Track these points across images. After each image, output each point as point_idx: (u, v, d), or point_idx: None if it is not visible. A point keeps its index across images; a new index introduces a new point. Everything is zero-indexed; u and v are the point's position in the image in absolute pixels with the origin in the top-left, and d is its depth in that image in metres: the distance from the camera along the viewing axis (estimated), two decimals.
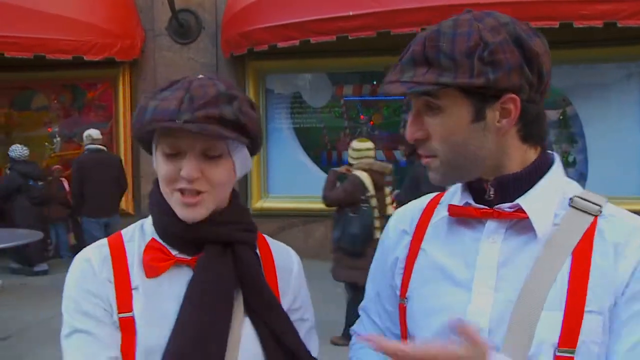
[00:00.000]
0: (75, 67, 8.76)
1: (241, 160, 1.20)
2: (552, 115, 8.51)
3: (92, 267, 1.16)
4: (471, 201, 1.14)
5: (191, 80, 1.15)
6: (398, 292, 1.24)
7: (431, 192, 1.31)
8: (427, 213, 1.25)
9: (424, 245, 1.21)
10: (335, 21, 7.36)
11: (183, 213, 1.15)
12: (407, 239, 1.25)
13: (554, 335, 1.01)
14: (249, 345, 1.18)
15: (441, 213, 1.20)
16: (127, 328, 1.12)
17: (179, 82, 1.15)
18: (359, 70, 9.00)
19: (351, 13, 7.25)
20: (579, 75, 8.28)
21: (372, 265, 1.36)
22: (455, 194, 1.20)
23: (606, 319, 1.01)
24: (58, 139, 9.88)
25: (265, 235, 1.35)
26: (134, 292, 1.15)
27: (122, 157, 9.27)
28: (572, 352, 1.00)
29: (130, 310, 1.13)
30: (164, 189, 1.17)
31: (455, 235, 1.16)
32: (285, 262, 1.32)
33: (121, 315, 1.13)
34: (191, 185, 1.12)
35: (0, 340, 5.34)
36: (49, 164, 9.57)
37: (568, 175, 1.16)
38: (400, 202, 5.29)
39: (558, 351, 1.00)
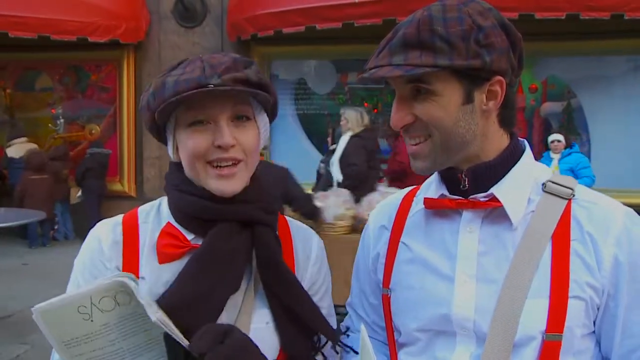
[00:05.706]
0: (80, 49, 8.74)
1: (264, 126, 1.18)
2: (556, 107, 8.48)
3: (102, 250, 1.15)
4: (446, 192, 1.15)
5: (199, 56, 1.13)
6: (381, 285, 1.25)
7: None
8: (404, 207, 1.27)
9: (403, 238, 1.22)
10: (341, 8, 7.32)
11: (219, 186, 1.10)
12: (387, 235, 1.26)
13: (541, 323, 1.03)
14: (261, 319, 1.15)
15: (418, 206, 1.22)
16: None
17: (187, 60, 1.13)
18: (364, 58, 8.69)
19: (357, 0, 7.22)
20: (585, 68, 8.23)
21: (355, 262, 1.37)
22: (430, 187, 1.21)
23: (588, 305, 1.04)
24: (62, 120, 9.86)
25: (287, 217, 1.31)
26: (140, 281, 1.11)
27: (125, 139, 9.28)
28: (560, 337, 1.03)
29: None
30: (192, 164, 1.11)
31: (433, 227, 1.18)
32: (305, 247, 1.27)
33: None
34: (227, 153, 1.09)
35: (1, 319, 5.37)
36: (53, 145, 9.58)
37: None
38: None
39: (546, 337, 1.03)
